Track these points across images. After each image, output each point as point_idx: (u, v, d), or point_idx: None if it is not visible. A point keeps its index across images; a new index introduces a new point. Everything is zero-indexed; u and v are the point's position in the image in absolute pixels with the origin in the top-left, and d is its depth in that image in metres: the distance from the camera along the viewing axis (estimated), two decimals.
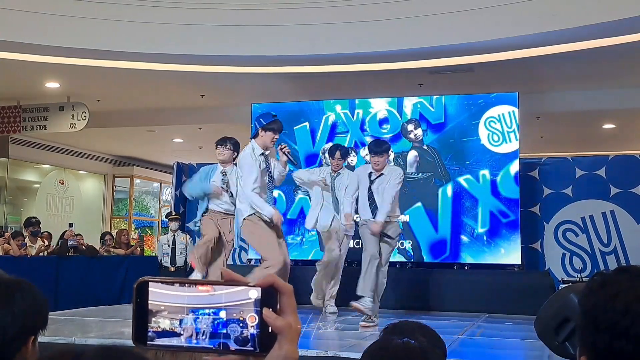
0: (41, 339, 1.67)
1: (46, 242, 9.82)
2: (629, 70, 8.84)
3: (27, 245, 9.12)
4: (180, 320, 0.82)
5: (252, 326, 0.82)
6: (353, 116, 8.91)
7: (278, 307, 0.83)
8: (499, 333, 6.16)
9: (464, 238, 8.38)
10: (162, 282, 0.83)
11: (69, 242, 9.32)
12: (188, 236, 9.76)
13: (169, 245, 9.67)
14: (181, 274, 9.58)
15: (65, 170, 14.63)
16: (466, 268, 8.32)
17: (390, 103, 8.82)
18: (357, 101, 8.97)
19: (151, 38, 8.18)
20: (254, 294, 0.82)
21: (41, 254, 9.32)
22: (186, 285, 0.83)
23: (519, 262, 8.20)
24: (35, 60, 8.53)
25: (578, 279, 7.66)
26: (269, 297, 0.82)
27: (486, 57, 8.21)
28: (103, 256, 9.89)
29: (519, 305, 7.26)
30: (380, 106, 8.84)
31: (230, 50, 8.27)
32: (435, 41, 7.83)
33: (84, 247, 9.57)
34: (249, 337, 0.82)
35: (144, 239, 14.85)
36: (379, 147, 6.46)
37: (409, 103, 8.75)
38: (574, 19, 7.18)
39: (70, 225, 9.73)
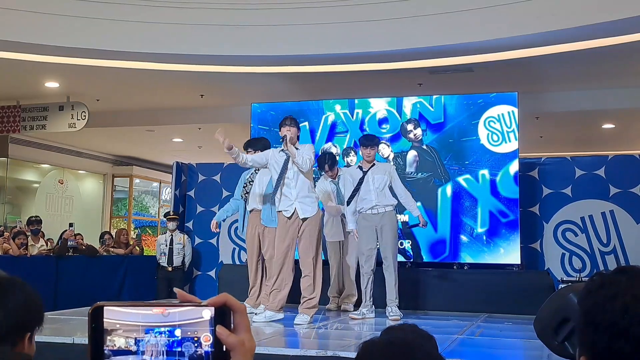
0: (40, 338, 1.68)
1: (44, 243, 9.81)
2: (629, 70, 8.85)
3: (29, 244, 9.11)
4: (136, 339, 0.83)
5: (206, 345, 0.83)
6: (352, 116, 8.91)
7: (232, 325, 0.84)
8: (499, 333, 6.16)
9: (464, 238, 8.38)
10: (117, 305, 0.84)
11: (69, 242, 9.31)
12: (186, 236, 9.75)
13: (166, 245, 9.67)
14: (178, 274, 9.59)
15: (65, 169, 14.63)
16: (466, 268, 8.32)
17: (389, 103, 8.82)
18: (356, 101, 8.97)
19: (151, 38, 8.18)
20: (208, 313, 0.83)
21: (42, 249, 9.32)
22: (141, 306, 0.84)
23: (518, 262, 8.20)
24: (35, 60, 8.53)
25: (577, 279, 7.65)
26: (222, 316, 0.83)
27: (486, 57, 8.21)
28: (102, 256, 9.88)
29: (518, 305, 7.26)
30: (379, 106, 8.84)
31: (230, 50, 8.27)
32: (435, 41, 7.83)
33: (83, 247, 9.56)
34: (204, 354, 0.82)
35: (142, 238, 14.84)
36: (370, 140, 6.86)
37: (408, 103, 8.75)
38: (574, 19, 7.18)
39: (71, 225, 9.72)
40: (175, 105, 11.09)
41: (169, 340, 0.82)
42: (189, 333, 0.82)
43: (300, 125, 6.99)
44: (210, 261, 9.82)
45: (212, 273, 9.62)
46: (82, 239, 9.80)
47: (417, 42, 7.88)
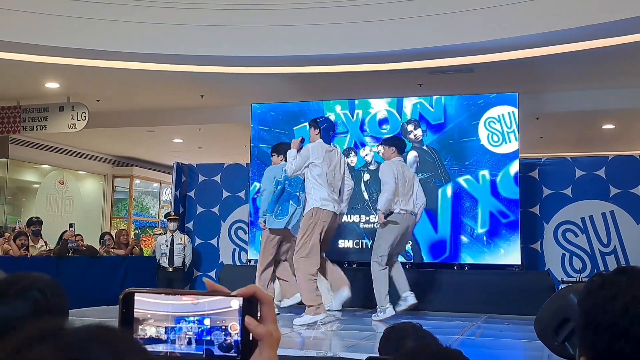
0: None
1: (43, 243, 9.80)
2: (629, 70, 8.84)
3: (29, 245, 9.10)
4: (166, 328, 0.85)
5: (235, 334, 0.84)
6: (353, 116, 8.91)
7: (259, 316, 0.86)
8: (499, 333, 6.16)
9: (464, 238, 8.38)
10: (148, 292, 0.86)
11: (69, 244, 9.30)
12: (186, 237, 9.75)
13: (167, 246, 9.67)
14: (179, 275, 9.59)
15: (65, 170, 14.62)
16: (466, 268, 8.32)
17: (390, 103, 8.82)
18: (356, 101, 8.97)
19: (151, 38, 8.17)
20: (236, 303, 0.85)
21: (42, 250, 9.32)
22: (171, 295, 0.86)
23: (518, 262, 8.19)
24: (35, 60, 8.53)
25: (578, 280, 7.65)
26: (250, 307, 0.85)
27: (486, 58, 8.20)
28: (103, 256, 9.88)
29: (518, 306, 7.26)
30: (380, 106, 8.84)
31: (230, 50, 8.26)
32: (435, 41, 7.83)
33: (83, 248, 9.56)
34: (233, 343, 0.84)
35: (142, 238, 14.83)
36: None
37: (408, 103, 8.75)
38: (574, 19, 7.18)
39: (71, 225, 9.72)
40: (175, 105, 11.09)
41: (198, 329, 0.84)
42: (217, 322, 0.84)
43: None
44: (210, 262, 9.82)
45: (213, 274, 9.62)
46: (83, 240, 9.80)
47: (419, 42, 7.88)
